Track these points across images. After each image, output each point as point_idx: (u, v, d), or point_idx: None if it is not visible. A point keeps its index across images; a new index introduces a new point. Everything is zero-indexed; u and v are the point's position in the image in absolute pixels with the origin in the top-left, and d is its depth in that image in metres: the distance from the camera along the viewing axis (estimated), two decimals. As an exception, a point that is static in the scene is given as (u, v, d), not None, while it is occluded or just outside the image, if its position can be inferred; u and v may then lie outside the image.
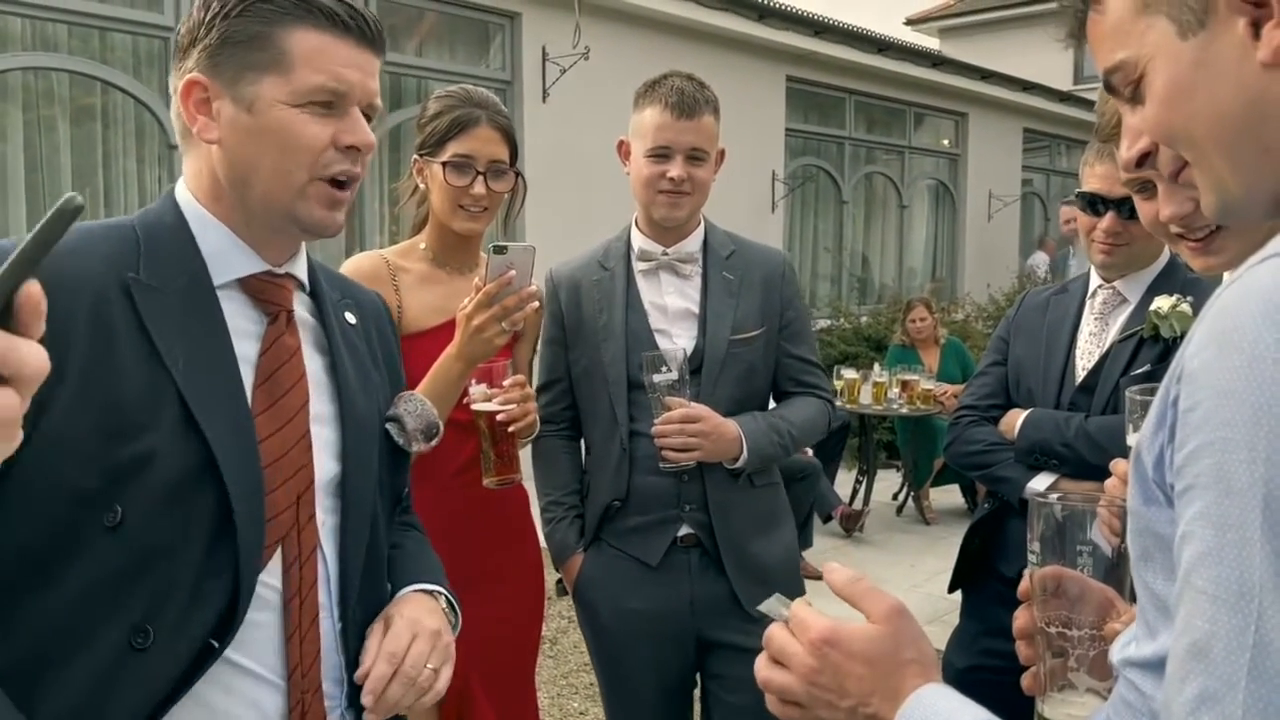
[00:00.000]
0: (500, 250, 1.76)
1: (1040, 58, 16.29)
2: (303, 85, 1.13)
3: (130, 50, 6.16)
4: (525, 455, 2.05)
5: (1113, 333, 2.13)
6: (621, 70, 8.24)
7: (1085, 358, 2.16)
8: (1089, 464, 2.01)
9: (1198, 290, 2.06)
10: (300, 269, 1.28)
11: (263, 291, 1.21)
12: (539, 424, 2.11)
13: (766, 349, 2.20)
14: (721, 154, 2.19)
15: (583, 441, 2.30)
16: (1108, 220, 2.06)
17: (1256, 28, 0.76)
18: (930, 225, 12.83)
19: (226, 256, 1.19)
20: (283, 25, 1.13)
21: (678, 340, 2.15)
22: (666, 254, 2.19)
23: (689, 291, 2.19)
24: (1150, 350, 2.05)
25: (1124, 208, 2.03)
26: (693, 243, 2.21)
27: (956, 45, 17.30)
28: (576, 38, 7.67)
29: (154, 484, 1.07)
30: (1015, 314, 2.35)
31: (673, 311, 2.18)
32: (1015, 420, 2.18)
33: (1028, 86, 12.96)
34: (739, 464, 2.11)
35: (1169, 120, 0.82)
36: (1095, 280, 2.20)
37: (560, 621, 4.60)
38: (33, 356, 0.57)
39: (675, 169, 2.09)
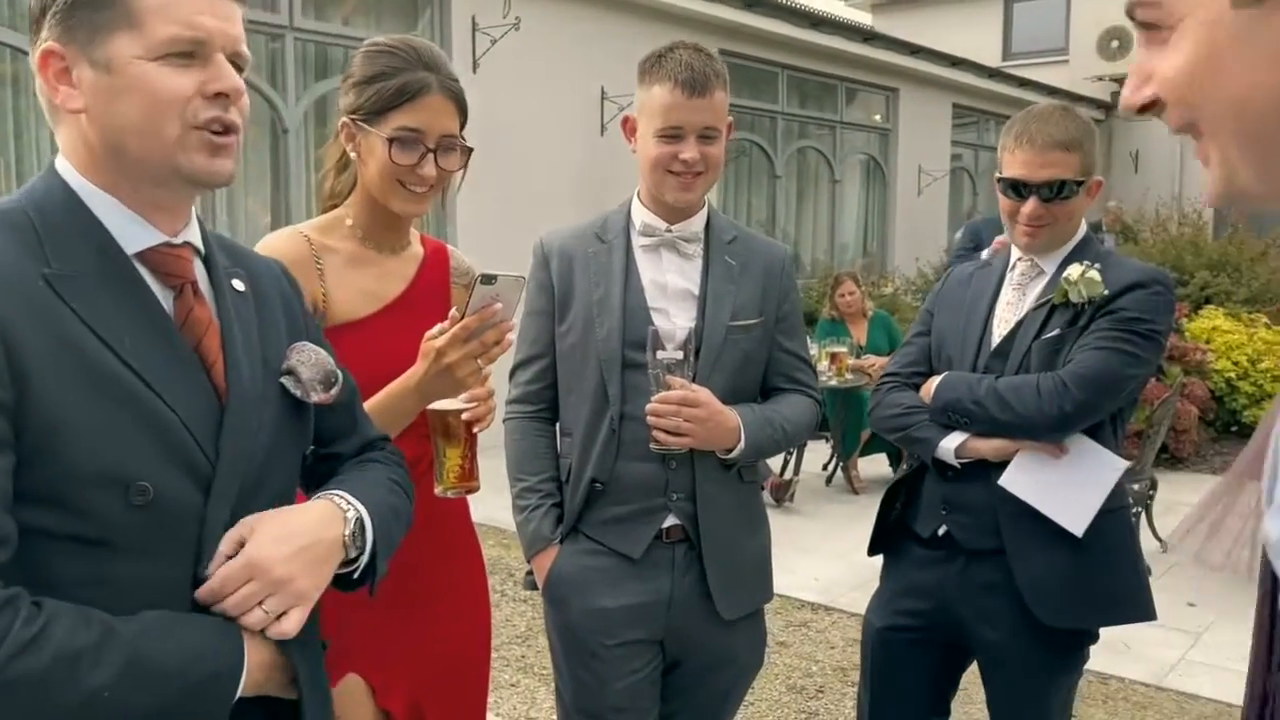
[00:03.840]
0: (489, 280, 1.55)
1: (970, 34, 16.56)
2: (155, 38, 1.10)
3: (42, 15, 5.95)
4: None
5: (1029, 302, 2.22)
6: (553, 42, 8.19)
7: (1002, 325, 2.24)
8: (998, 420, 2.11)
9: (1108, 261, 2.16)
10: (195, 236, 1.24)
11: (163, 264, 1.18)
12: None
13: (763, 340, 2.12)
14: (730, 126, 2.09)
15: (558, 424, 2.17)
16: (1031, 205, 2.14)
17: None
18: (861, 200, 12.99)
19: (123, 230, 1.15)
20: None
21: (676, 320, 2.04)
22: (670, 231, 2.09)
23: (690, 272, 2.09)
24: (1062, 315, 2.14)
25: (1044, 192, 2.13)
26: (697, 223, 2.11)
27: (889, 20, 17.45)
28: (507, 8, 7.60)
29: (162, 461, 1.10)
30: (941, 287, 2.43)
31: (672, 290, 2.08)
32: (930, 382, 2.26)
33: (956, 63, 13.14)
34: (733, 454, 2.02)
35: (1190, 89, 0.75)
36: (1015, 254, 2.28)
37: (491, 595, 4.60)
38: None
39: (688, 151, 1.98)
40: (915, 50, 12.42)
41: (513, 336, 1.62)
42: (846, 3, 18.87)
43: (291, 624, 1.16)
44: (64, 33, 1.11)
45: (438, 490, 1.73)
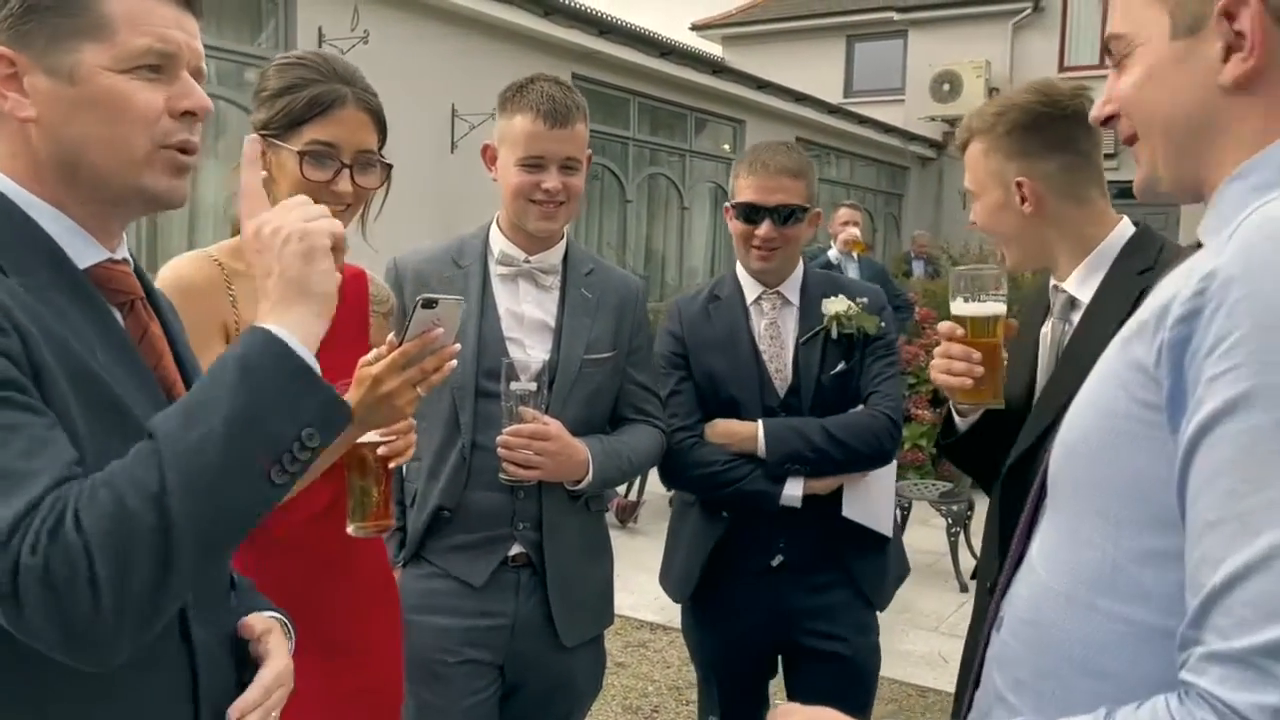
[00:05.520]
0: (429, 304, 1.47)
1: (814, 71, 17.23)
2: (128, 49, 1.05)
3: None
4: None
5: (790, 333, 2.35)
6: (403, 57, 8.08)
7: (775, 360, 2.34)
8: (839, 462, 2.25)
9: (855, 290, 2.37)
10: (126, 253, 1.19)
11: (110, 280, 1.13)
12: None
13: (615, 373, 2.13)
14: (589, 158, 2.11)
15: None
16: (765, 228, 2.26)
17: (1229, 53, 0.89)
18: (710, 226, 13.29)
19: (71, 245, 1.09)
20: None
21: (531, 351, 2.04)
22: (529, 261, 2.09)
23: (547, 304, 2.09)
24: (836, 348, 2.31)
25: (778, 215, 2.26)
26: (555, 254, 2.12)
27: (739, 53, 17.99)
28: (355, 21, 7.47)
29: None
30: (680, 329, 2.42)
31: (528, 321, 2.07)
32: (734, 429, 2.30)
33: (800, 98, 13.65)
34: (581, 486, 2.02)
35: (1137, 97, 0.97)
36: (752, 287, 2.38)
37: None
38: None
39: (550, 180, 2.00)
40: (762, 84, 12.85)
41: (454, 363, 1.54)
42: (698, 34, 19.35)
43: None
44: (17, 37, 1.05)
45: (350, 529, 1.62)
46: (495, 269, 2.10)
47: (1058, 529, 0.95)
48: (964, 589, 5.30)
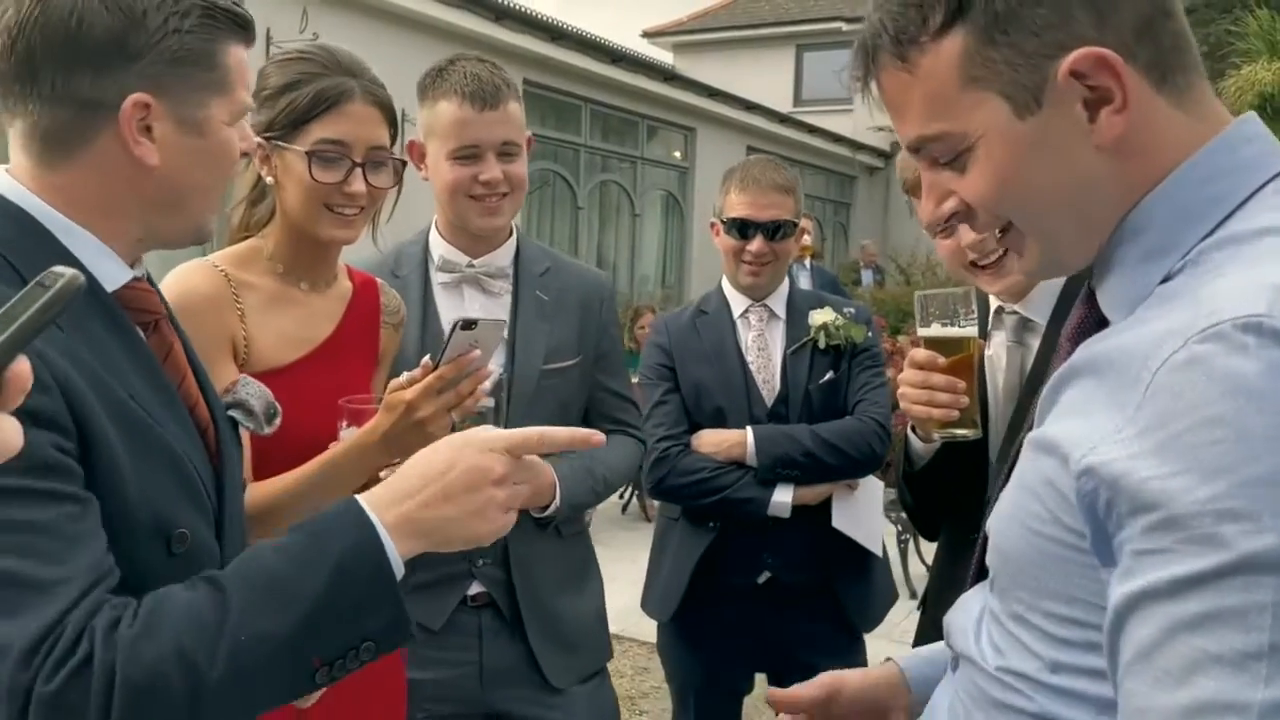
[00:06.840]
0: (469, 326, 1.40)
1: (764, 80, 17.36)
2: (241, 104, 1.12)
3: None
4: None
5: (777, 345, 2.35)
6: (352, 61, 8.01)
7: (762, 371, 2.34)
8: (830, 467, 2.24)
9: (840, 304, 2.40)
10: (144, 269, 1.18)
11: (135, 300, 1.11)
12: None
13: (581, 381, 1.94)
14: (530, 141, 1.91)
15: None
16: (757, 243, 2.27)
17: (1090, 110, 0.82)
18: (660, 234, 13.33)
19: (98, 266, 1.07)
20: (223, 43, 1.08)
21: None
22: (473, 266, 1.91)
23: (497, 311, 1.90)
24: (824, 359, 2.31)
25: (769, 230, 2.27)
26: (503, 255, 1.93)
27: (690, 61, 18.06)
28: (304, 23, 7.38)
29: (189, 505, 1.07)
30: (668, 342, 2.40)
31: None
32: (722, 437, 2.28)
33: (751, 106, 13.74)
34: (548, 512, 1.83)
35: (1003, 195, 0.86)
36: (739, 300, 2.39)
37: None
38: (7, 434, 0.59)
39: (489, 170, 1.81)
40: (713, 92, 12.92)
41: (487, 385, 1.46)
42: (649, 41, 19.41)
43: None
44: (157, 86, 1.04)
45: None
46: (436, 277, 1.93)
47: (999, 624, 0.92)
48: (914, 595, 5.34)
